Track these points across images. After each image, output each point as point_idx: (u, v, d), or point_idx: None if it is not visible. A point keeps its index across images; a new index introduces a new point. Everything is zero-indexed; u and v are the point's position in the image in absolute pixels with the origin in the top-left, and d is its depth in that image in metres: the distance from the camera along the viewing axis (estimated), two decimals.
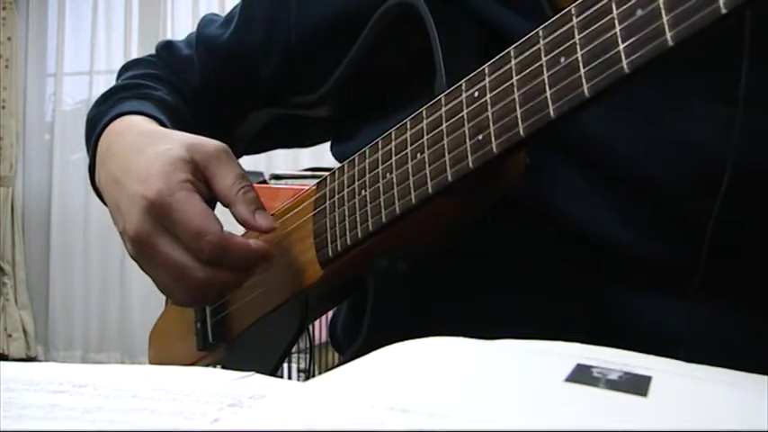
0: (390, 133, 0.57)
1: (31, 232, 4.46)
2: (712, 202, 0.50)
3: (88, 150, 0.73)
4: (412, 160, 0.54)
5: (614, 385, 0.29)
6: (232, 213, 0.62)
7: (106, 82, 4.17)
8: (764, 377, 0.33)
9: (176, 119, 0.75)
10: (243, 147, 0.83)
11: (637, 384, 0.29)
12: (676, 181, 0.54)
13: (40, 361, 4.19)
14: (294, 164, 3.55)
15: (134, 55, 4.22)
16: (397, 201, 0.55)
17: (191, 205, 0.59)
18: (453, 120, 0.51)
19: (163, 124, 0.71)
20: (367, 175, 0.58)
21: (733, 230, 0.52)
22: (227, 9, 0.82)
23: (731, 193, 0.50)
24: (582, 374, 0.30)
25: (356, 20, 0.64)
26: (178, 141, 0.63)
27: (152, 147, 0.63)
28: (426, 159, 0.53)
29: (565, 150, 0.56)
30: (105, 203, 0.69)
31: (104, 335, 4.32)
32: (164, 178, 0.60)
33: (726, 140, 0.51)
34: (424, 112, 0.54)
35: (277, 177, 2.26)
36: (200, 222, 0.58)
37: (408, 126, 0.55)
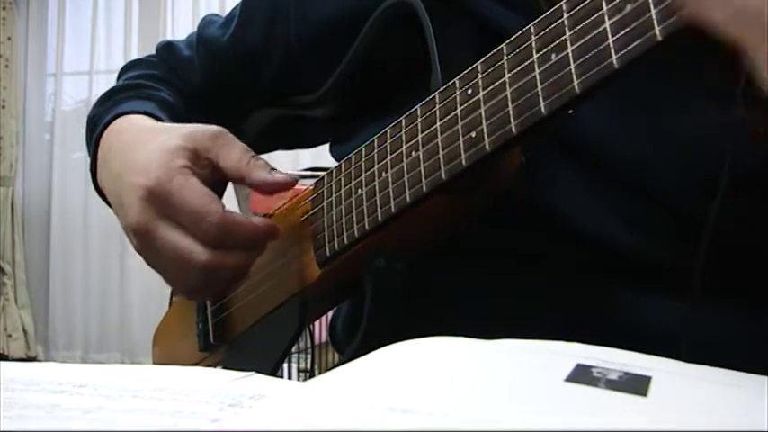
0: (386, 132, 0.57)
1: (31, 232, 4.46)
2: (711, 200, 0.50)
3: (89, 151, 0.73)
4: (407, 158, 0.54)
5: (614, 385, 0.29)
6: (248, 183, 0.61)
7: (106, 82, 4.17)
8: (764, 377, 0.33)
9: (177, 119, 0.75)
10: None
11: (637, 384, 0.29)
12: (675, 179, 0.54)
13: (40, 361, 4.19)
14: (294, 164, 3.55)
15: (134, 55, 4.22)
16: (392, 199, 0.55)
17: (190, 188, 0.58)
18: (447, 117, 0.51)
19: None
20: (363, 174, 0.58)
21: (732, 228, 0.52)
22: (228, 9, 0.82)
23: (730, 191, 0.50)
24: (582, 374, 0.30)
25: (355, 19, 0.63)
26: (176, 132, 0.63)
27: (152, 141, 0.62)
28: (421, 157, 0.53)
29: (562, 149, 0.56)
30: (108, 203, 0.69)
31: (104, 335, 4.32)
32: (162, 167, 0.59)
33: (724, 138, 0.51)
34: (419, 110, 0.54)
35: None
36: (200, 204, 0.58)
37: (403, 124, 0.55)
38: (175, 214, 0.58)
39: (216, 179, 0.61)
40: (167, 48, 0.84)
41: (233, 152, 0.61)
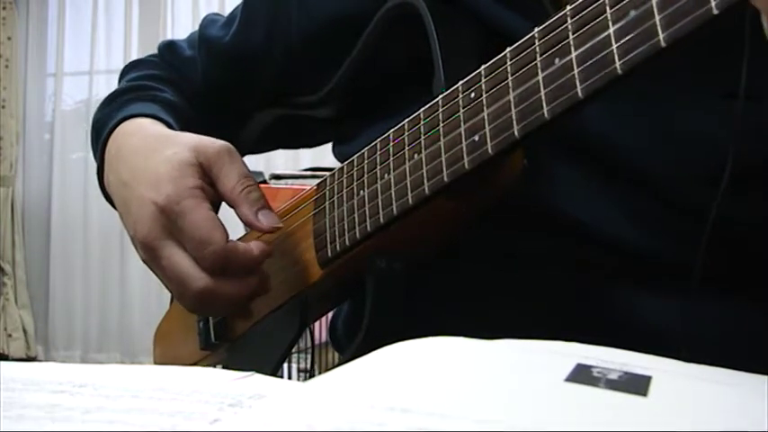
0: (389, 134, 0.57)
1: (31, 232, 4.46)
2: (715, 197, 0.50)
3: (95, 154, 0.73)
4: (409, 161, 0.54)
5: (614, 385, 0.29)
6: (237, 214, 0.62)
7: (106, 82, 4.17)
8: (764, 377, 0.33)
9: (183, 120, 0.75)
10: (246, 147, 0.83)
11: (637, 384, 0.29)
12: (679, 176, 0.54)
13: (40, 361, 4.19)
14: (294, 164, 3.55)
15: (134, 55, 4.22)
16: (394, 201, 0.55)
17: (197, 214, 0.59)
18: (450, 121, 0.51)
19: (170, 126, 0.71)
20: (365, 176, 0.58)
21: (736, 225, 0.52)
22: (228, 9, 0.82)
23: (734, 188, 0.50)
24: (582, 374, 0.30)
25: (357, 20, 0.64)
26: (184, 144, 0.63)
27: (160, 151, 0.63)
28: (423, 160, 0.53)
29: (565, 147, 0.56)
30: (114, 206, 0.69)
31: (104, 335, 4.32)
32: (173, 184, 0.60)
33: (729, 134, 0.51)
34: (422, 113, 0.54)
35: (277, 177, 2.26)
36: (205, 231, 0.59)
37: (406, 127, 0.55)
38: (180, 236, 0.60)
39: (216, 197, 0.63)
40: (169, 47, 0.84)
41: (231, 176, 0.62)
